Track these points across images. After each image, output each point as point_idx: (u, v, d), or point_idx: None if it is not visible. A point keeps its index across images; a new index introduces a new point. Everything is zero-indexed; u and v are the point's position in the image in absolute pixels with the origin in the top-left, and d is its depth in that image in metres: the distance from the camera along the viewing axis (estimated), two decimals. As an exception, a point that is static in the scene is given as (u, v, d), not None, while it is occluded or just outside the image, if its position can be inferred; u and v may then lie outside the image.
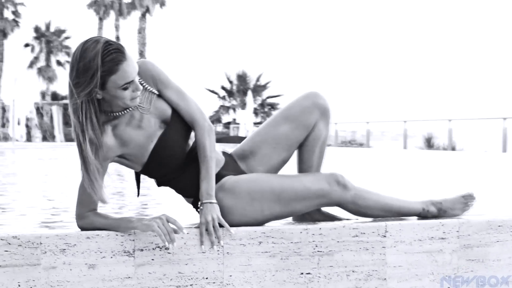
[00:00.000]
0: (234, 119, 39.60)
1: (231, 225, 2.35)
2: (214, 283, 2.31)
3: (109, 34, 38.03)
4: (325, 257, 2.42)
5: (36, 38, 41.22)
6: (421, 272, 2.52)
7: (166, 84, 2.42)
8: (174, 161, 2.42)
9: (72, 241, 2.20)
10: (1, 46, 36.61)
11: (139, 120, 2.37)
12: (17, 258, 2.15)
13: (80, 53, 2.17)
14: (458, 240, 2.56)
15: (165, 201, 3.99)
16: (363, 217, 2.59)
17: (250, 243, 2.35)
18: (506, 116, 16.22)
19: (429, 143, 21.85)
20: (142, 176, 2.52)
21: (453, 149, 18.50)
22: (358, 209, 2.54)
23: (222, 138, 26.31)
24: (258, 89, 41.64)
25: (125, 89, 2.21)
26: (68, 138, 27.65)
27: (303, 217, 2.64)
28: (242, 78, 41.85)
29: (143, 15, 37.42)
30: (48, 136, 30.27)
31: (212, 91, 42.34)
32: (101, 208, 2.34)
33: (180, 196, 2.56)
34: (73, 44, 40.58)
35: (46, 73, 40.38)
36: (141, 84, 2.37)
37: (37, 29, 41.19)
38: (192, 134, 2.49)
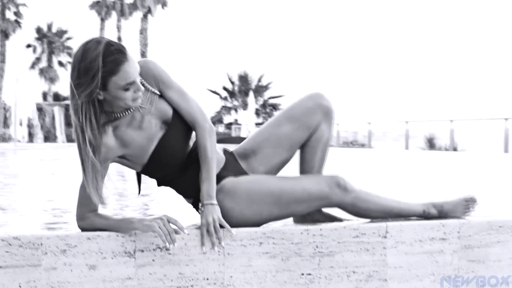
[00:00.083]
0: (236, 120, 39.60)
1: (230, 226, 2.35)
2: (214, 283, 2.31)
3: (111, 34, 38.08)
4: (326, 258, 2.42)
5: (38, 38, 41.30)
6: (421, 272, 2.52)
7: (167, 85, 2.42)
8: (175, 163, 2.42)
9: (72, 242, 2.21)
10: (3, 47, 36.60)
11: (140, 121, 2.37)
12: (18, 259, 2.15)
13: (81, 53, 2.17)
14: (459, 240, 2.56)
15: (166, 201, 4.00)
16: (363, 218, 2.59)
17: (251, 243, 2.35)
18: (507, 116, 16.19)
19: (431, 144, 21.84)
20: (143, 176, 2.52)
21: (455, 149, 18.49)
22: (358, 211, 2.54)
23: (223, 139, 26.30)
24: (259, 90, 41.66)
25: (127, 89, 2.22)
26: (70, 139, 27.66)
27: (303, 218, 2.64)
28: (243, 78, 41.88)
29: (145, 16, 37.40)
30: (50, 136, 30.30)
31: (214, 92, 42.38)
32: (102, 209, 2.34)
33: (180, 196, 2.56)
34: (75, 44, 40.60)
35: (48, 74, 40.44)
36: (143, 85, 2.37)
37: (39, 30, 41.27)
38: (193, 134, 2.49)
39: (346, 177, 2.48)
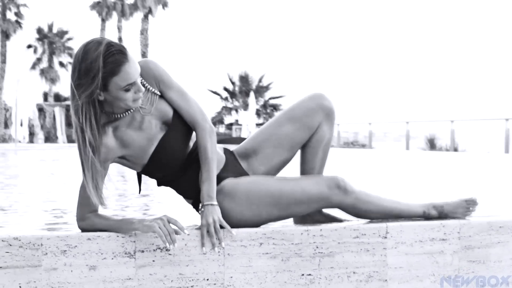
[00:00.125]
0: (237, 120, 39.63)
1: (230, 227, 2.35)
2: (215, 284, 2.31)
3: (111, 35, 38.07)
4: (326, 258, 2.42)
5: (39, 39, 41.28)
6: (422, 273, 2.52)
7: (168, 85, 2.42)
8: (174, 163, 2.42)
9: (73, 243, 2.21)
10: (4, 47, 36.62)
11: (140, 122, 2.37)
12: (18, 260, 2.15)
13: (82, 54, 2.17)
14: (459, 241, 2.56)
15: (167, 202, 4.00)
16: (363, 219, 2.59)
17: (251, 244, 2.35)
18: (508, 117, 16.19)
19: (431, 144, 21.82)
20: (144, 175, 2.52)
21: (456, 150, 18.48)
22: (358, 213, 2.54)
23: (224, 139, 26.32)
24: (260, 90, 41.65)
25: (127, 90, 2.21)
26: (70, 139, 27.67)
27: (304, 218, 2.64)
28: (244, 79, 41.87)
29: (146, 16, 37.42)
30: (50, 137, 30.32)
31: (215, 92, 42.37)
32: (103, 209, 2.35)
33: (181, 197, 2.57)
34: (76, 45, 40.62)
35: (48, 74, 40.42)
36: (143, 85, 2.37)
37: (39, 31, 41.24)
38: (193, 135, 2.49)
39: (346, 178, 2.48)
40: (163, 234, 2.18)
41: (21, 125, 26.05)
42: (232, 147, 2.69)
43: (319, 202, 2.45)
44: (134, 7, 37.37)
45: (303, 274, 2.40)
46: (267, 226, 2.46)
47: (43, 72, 40.60)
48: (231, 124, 39.71)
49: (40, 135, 28.99)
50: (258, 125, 30.63)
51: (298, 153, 2.68)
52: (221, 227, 2.31)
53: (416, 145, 21.94)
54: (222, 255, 2.32)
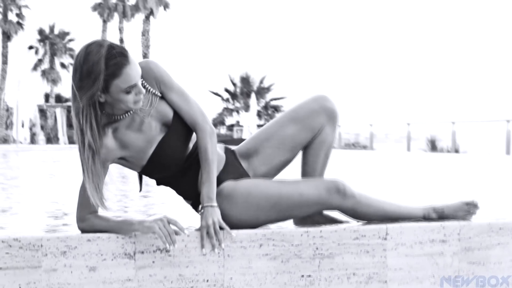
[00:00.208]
0: (238, 122, 39.63)
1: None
2: (214, 285, 2.31)
3: (113, 36, 38.13)
4: (326, 260, 2.42)
5: (40, 40, 41.29)
6: (422, 274, 2.52)
7: (169, 86, 2.42)
8: (173, 165, 2.42)
9: (73, 244, 2.21)
10: (5, 49, 36.66)
11: (139, 124, 2.37)
12: (18, 261, 2.15)
13: (83, 56, 2.17)
14: (459, 242, 2.56)
15: (167, 202, 4.00)
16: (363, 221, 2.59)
17: (251, 245, 2.35)
18: (509, 118, 16.17)
19: (432, 146, 21.80)
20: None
21: (457, 151, 18.46)
22: (358, 216, 2.54)
23: (225, 141, 26.29)
24: (261, 92, 41.64)
25: (128, 92, 2.22)
26: (72, 141, 27.67)
27: (304, 220, 2.64)
28: (245, 80, 41.86)
29: (147, 18, 37.44)
30: (52, 138, 30.33)
31: (216, 94, 42.36)
32: (104, 211, 2.35)
33: (180, 197, 2.57)
34: (77, 46, 40.53)
35: (50, 76, 40.42)
36: (144, 86, 2.37)
37: (41, 32, 41.26)
38: (193, 136, 2.49)
39: (346, 182, 2.48)
40: (163, 235, 2.18)
41: (23, 126, 26.06)
42: (233, 147, 2.69)
43: (318, 206, 2.45)
44: (136, 8, 37.39)
45: (303, 276, 2.40)
46: (267, 227, 2.46)
47: (44, 73, 40.60)
48: (232, 126, 39.70)
49: (41, 136, 29.02)
50: (259, 126, 30.57)
51: (300, 154, 2.68)
52: (221, 228, 2.31)
53: (417, 147, 21.91)
54: (222, 256, 2.32)
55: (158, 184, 2.53)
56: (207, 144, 2.39)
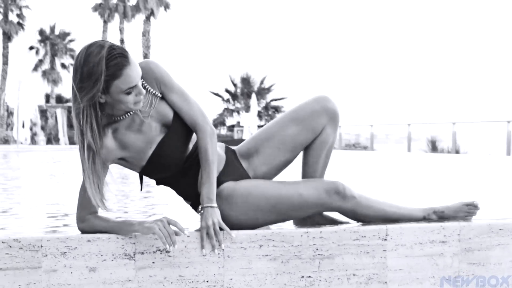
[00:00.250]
0: (238, 122, 39.62)
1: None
2: (214, 286, 2.31)
3: (113, 37, 38.14)
4: (326, 261, 2.42)
5: (41, 41, 41.29)
6: (422, 275, 2.52)
7: (169, 87, 2.42)
8: (173, 166, 2.42)
9: (73, 244, 2.21)
10: (6, 49, 36.65)
11: (139, 124, 2.37)
12: (18, 261, 2.16)
13: (84, 57, 2.17)
14: (459, 243, 2.56)
15: (168, 203, 4.00)
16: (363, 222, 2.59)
17: (251, 246, 2.35)
18: (510, 119, 16.16)
19: (433, 146, 21.80)
20: None
21: (457, 152, 18.45)
22: (358, 217, 2.54)
23: (226, 141, 26.29)
24: (262, 92, 41.66)
25: (128, 93, 2.22)
26: (72, 141, 27.72)
27: (304, 220, 2.64)
28: (246, 81, 41.87)
29: (148, 18, 37.44)
30: (52, 139, 30.34)
31: (216, 94, 42.38)
32: (104, 211, 2.35)
33: (180, 198, 2.57)
34: (78, 47, 40.58)
35: (50, 76, 40.43)
36: (144, 87, 2.37)
37: (41, 32, 41.25)
38: (193, 137, 2.49)
39: (346, 183, 2.48)
40: (163, 235, 2.18)
41: (23, 126, 26.08)
42: (234, 147, 2.69)
43: (318, 207, 2.45)
44: (136, 9, 37.39)
45: (303, 276, 2.40)
46: (267, 228, 2.46)
47: (45, 73, 40.61)
48: (232, 126, 39.69)
49: (41, 136, 29.03)
50: (259, 127, 30.58)
51: (300, 154, 2.68)
52: (221, 229, 2.31)
53: (417, 147, 21.91)
54: (222, 257, 2.32)
55: (157, 184, 2.54)
56: (207, 144, 2.39)
